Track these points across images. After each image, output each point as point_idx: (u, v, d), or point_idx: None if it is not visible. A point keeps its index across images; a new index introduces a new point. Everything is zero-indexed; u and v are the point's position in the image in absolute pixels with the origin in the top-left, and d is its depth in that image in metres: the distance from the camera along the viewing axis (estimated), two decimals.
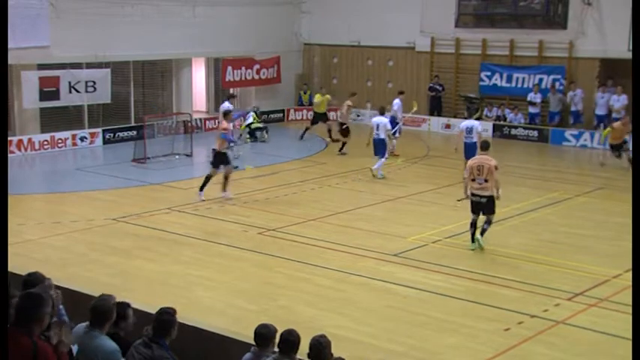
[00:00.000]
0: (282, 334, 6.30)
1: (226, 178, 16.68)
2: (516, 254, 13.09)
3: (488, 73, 26.94)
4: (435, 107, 28.20)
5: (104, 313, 5.95)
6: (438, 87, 28.01)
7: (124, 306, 6.33)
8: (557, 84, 25.40)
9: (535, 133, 25.77)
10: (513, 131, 26.23)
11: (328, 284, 11.56)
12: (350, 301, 10.86)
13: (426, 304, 10.76)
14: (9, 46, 23.43)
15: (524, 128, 26.02)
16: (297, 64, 31.05)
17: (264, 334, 6.31)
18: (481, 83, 27.10)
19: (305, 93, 30.64)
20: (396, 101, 23.50)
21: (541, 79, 25.91)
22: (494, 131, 26.50)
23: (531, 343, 9.48)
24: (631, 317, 5.53)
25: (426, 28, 28.01)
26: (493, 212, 13.15)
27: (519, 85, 26.34)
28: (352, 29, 29.42)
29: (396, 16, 28.21)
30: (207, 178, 16.64)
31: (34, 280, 6.38)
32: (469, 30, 27.39)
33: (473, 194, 13.13)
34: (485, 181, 12.89)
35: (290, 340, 6.25)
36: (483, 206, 13.06)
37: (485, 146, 13.71)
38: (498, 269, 12.30)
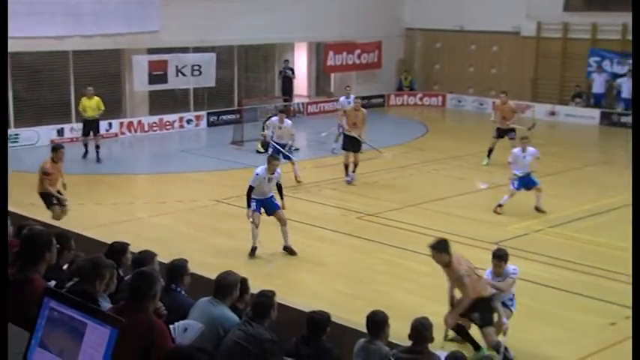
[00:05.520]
0: (368, 317, 6.39)
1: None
2: (623, 246, 12.61)
3: (598, 59, 26.00)
4: None
5: (227, 286, 6.36)
6: None
7: (245, 283, 6.73)
8: None
9: None
10: (623, 119, 25.23)
11: (427, 271, 11.49)
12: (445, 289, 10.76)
13: (527, 295, 10.53)
14: (121, 31, 24.09)
15: None
16: (398, 50, 30.83)
17: (376, 321, 6.39)
18: (589, 69, 26.19)
19: (406, 79, 30.49)
20: None
21: None
22: (601, 119, 25.61)
23: None
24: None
25: (532, 12, 27.22)
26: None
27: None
28: (456, 14, 28.92)
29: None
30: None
31: (145, 258, 6.65)
32: (578, 14, 26.45)
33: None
34: None
35: (377, 322, 6.34)
36: None
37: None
38: (603, 261, 11.91)
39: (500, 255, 8.96)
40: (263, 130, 19.62)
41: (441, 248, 8.34)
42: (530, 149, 14.79)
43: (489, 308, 8.44)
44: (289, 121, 17.66)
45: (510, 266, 8.94)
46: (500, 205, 14.61)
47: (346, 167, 17.11)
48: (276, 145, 16.94)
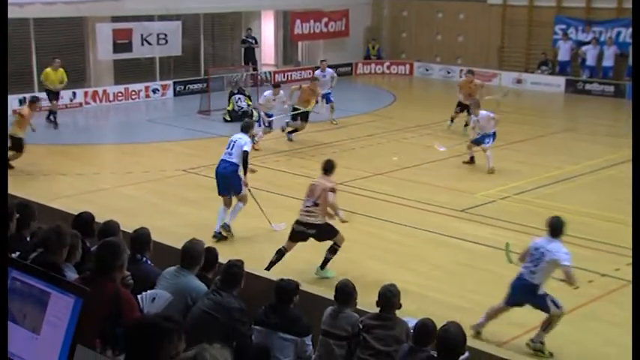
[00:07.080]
0: (337, 286, 6.43)
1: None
2: (588, 212, 12.83)
3: (563, 27, 26.15)
4: None
5: (194, 255, 6.35)
6: None
7: (214, 252, 6.68)
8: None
9: (611, 89, 24.98)
10: (587, 86, 25.49)
11: (396, 239, 11.59)
12: (417, 256, 10.86)
13: (493, 261, 10.68)
14: None
15: (599, 83, 25.24)
16: (365, 18, 30.68)
17: (345, 290, 6.44)
18: (554, 37, 26.34)
19: (373, 47, 30.39)
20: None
21: (619, 32, 25.00)
22: (566, 86, 25.83)
23: (601, 303, 9.34)
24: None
25: None
26: (334, 235, 10.06)
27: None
28: None
29: None
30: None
31: (110, 228, 6.58)
32: None
33: (297, 221, 10.13)
34: (315, 205, 10.01)
35: (346, 291, 6.39)
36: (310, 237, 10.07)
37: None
38: (568, 227, 12.05)
39: None
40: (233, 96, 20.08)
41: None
42: (482, 113, 15.74)
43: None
44: (282, 93, 18.07)
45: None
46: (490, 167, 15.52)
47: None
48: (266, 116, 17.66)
